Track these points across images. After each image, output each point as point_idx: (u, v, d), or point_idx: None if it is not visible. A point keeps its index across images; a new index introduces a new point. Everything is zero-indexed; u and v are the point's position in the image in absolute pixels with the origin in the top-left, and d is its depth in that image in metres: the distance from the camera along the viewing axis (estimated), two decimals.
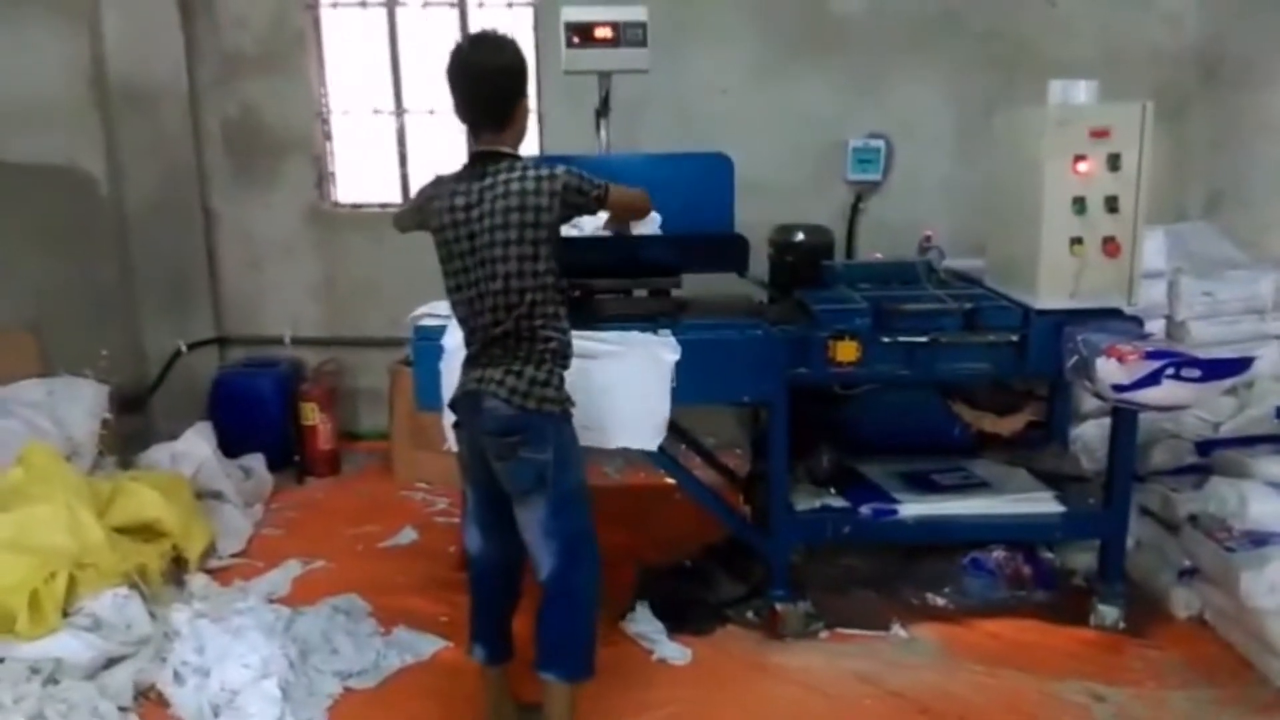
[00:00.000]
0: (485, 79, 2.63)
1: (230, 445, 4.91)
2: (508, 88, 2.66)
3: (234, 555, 4.24)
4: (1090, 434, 4.20)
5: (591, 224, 3.69)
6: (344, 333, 5.74)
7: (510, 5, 5.56)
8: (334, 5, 5.60)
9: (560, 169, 2.65)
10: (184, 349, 5.35)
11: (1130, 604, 3.60)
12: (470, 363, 2.76)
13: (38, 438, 4.04)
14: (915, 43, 5.35)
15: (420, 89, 5.65)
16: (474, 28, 5.50)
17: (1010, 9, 5.30)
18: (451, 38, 5.47)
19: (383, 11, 5.59)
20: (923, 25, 5.34)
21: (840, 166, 5.43)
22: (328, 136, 5.74)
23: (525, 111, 2.75)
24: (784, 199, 4.99)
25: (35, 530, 3.46)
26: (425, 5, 5.58)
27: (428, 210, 2.71)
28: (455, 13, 5.58)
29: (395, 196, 5.76)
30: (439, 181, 2.75)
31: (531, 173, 2.61)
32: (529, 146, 5.16)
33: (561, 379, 2.73)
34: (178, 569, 3.91)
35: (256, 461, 4.98)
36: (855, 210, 5.45)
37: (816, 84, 5.39)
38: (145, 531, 3.86)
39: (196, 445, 4.59)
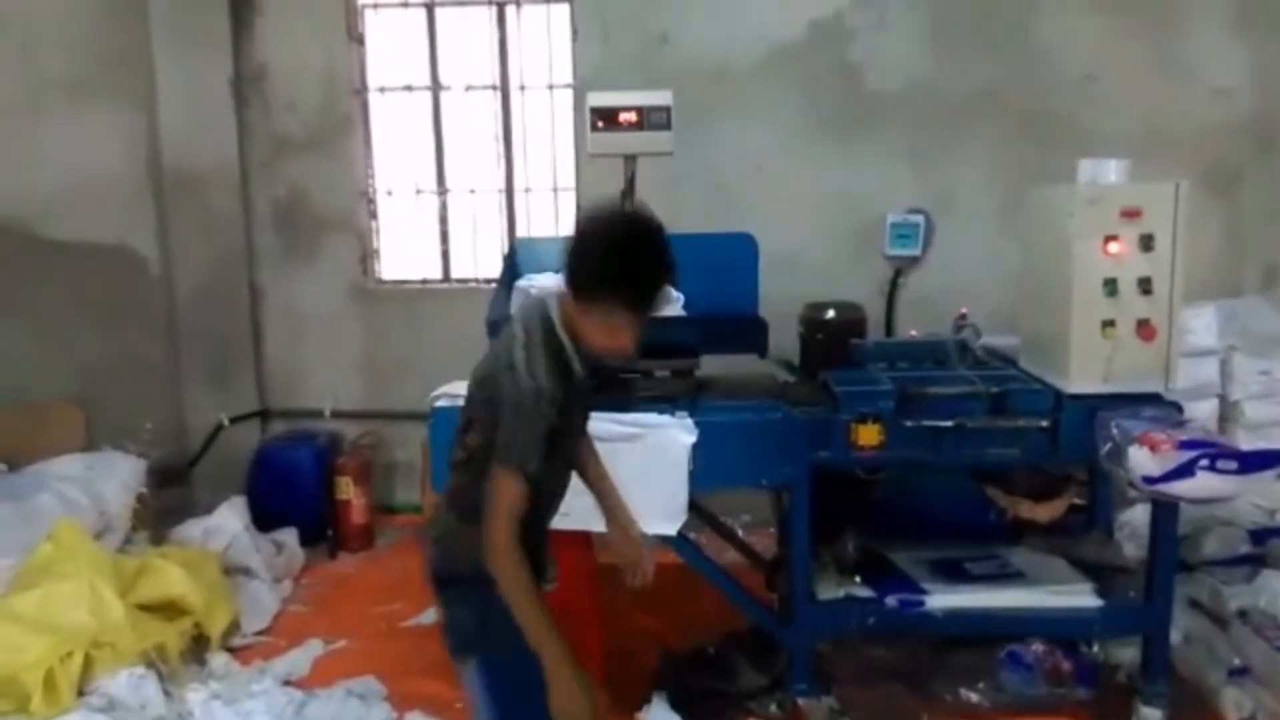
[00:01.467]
0: (579, 239, 2.23)
1: (268, 518, 4.95)
2: (584, 268, 2.17)
3: (258, 633, 4.23)
4: (1139, 519, 4.00)
5: None
6: (383, 406, 5.77)
7: (551, 88, 5.67)
8: (381, 90, 5.76)
9: (521, 367, 2.13)
10: (226, 422, 5.44)
11: (1178, 703, 3.37)
12: None
13: (72, 512, 4.11)
14: (954, 118, 5.29)
15: (462, 169, 5.77)
16: (515, 111, 5.69)
17: (1052, 85, 5.22)
18: (493, 119, 5.66)
19: (427, 95, 5.74)
20: (962, 101, 5.29)
21: (879, 241, 5.37)
22: (372, 215, 5.86)
23: (592, 318, 2.17)
24: (822, 275, 4.96)
25: (56, 608, 3.51)
26: (468, 89, 5.72)
27: None
28: (498, 95, 5.70)
29: (436, 273, 5.86)
30: None
31: (511, 346, 2.20)
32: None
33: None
34: (199, 647, 3.91)
35: (290, 536, 4.99)
36: (894, 286, 5.37)
37: (854, 159, 5.35)
38: (169, 609, 3.88)
39: (229, 520, 4.63)
